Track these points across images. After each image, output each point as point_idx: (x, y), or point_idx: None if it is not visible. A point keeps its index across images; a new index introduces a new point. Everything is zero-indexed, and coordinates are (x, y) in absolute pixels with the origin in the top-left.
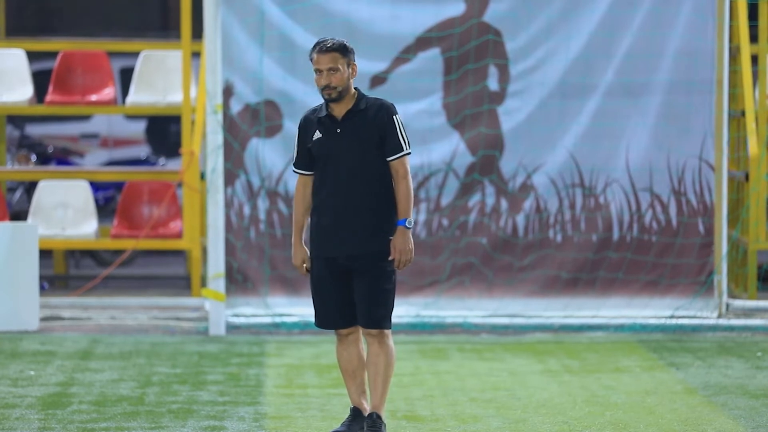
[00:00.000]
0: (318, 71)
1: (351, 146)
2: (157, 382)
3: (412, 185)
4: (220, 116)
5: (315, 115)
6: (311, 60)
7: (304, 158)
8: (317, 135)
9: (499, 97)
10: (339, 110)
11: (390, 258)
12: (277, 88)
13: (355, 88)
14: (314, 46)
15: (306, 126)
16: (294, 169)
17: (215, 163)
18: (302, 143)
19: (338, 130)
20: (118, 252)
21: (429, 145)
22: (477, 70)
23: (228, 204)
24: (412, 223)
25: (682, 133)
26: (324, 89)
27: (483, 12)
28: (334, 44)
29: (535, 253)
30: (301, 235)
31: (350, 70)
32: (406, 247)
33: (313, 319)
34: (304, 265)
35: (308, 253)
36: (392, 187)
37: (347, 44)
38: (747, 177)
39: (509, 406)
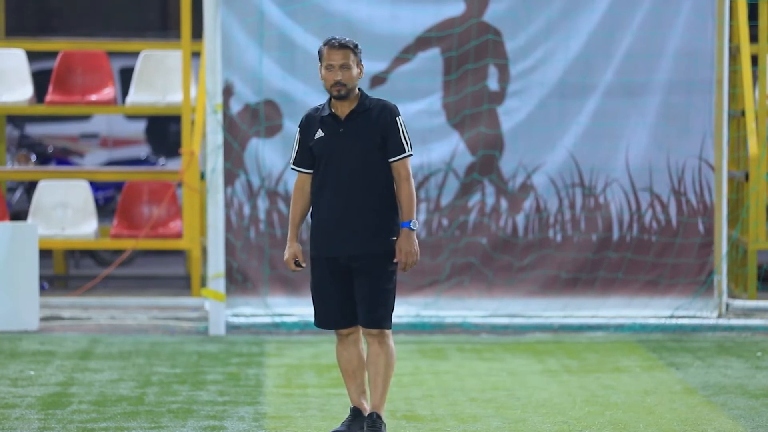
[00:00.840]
0: (330, 66)
1: (353, 146)
2: (157, 382)
3: (414, 186)
4: (219, 116)
5: (318, 114)
6: (321, 55)
7: (305, 156)
8: (319, 134)
9: (499, 96)
10: (342, 109)
11: (395, 260)
12: (277, 87)
13: (358, 89)
14: (326, 42)
15: (308, 124)
16: (292, 166)
17: (215, 163)
18: (303, 141)
19: (341, 130)
20: (118, 252)
21: (429, 145)
22: (477, 70)
23: (228, 204)
24: (417, 225)
25: (682, 133)
26: (334, 85)
27: (483, 12)
28: (347, 41)
29: (534, 253)
30: (296, 232)
31: (358, 70)
32: (412, 249)
33: (312, 319)
34: (294, 261)
35: (301, 249)
36: (393, 187)
37: (358, 44)
38: (747, 177)
39: (509, 406)
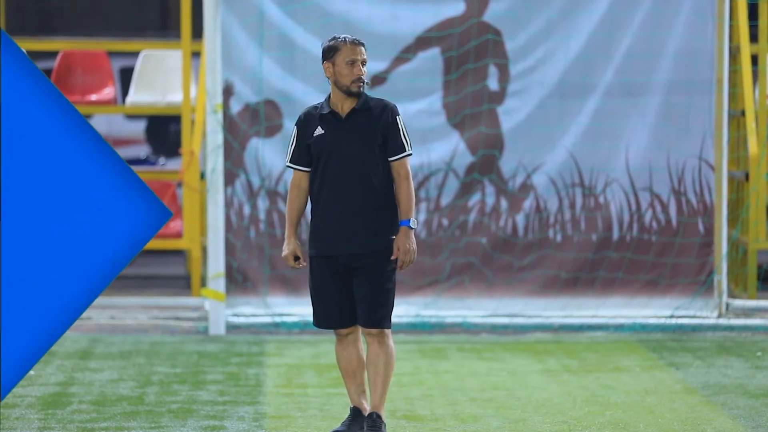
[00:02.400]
0: (354, 62)
1: (354, 144)
2: (157, 381)
3: (413, 185)
4: (219, 116)
5: (317, 112)
6: (336, 51)
7: (302, 154)
8: (319, 131)
9: (499, 96)
10: (344, 107)
11: (392, 258)
12: (277, 87)
13: None
14: (341, 39)
15: (306, 121)
16: (289, 164)
17: (215, 163)
18: (301, 139)
19: (342, 128)
20: None
21: (429, 145)
22: (477, 69)
23: (228, 204)
24: (416, 223)
25: (682, 133)
26: (355, 81)
27: (483, 12)
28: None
29: (534, 253)
30: (294, 230)
31: None
32: (410, 247)
33: (312, 319)
34: (293, 257)
35: (299, 247)
36: (393, 186)
37: None
38: (747, 177)
39: (509, 406)
